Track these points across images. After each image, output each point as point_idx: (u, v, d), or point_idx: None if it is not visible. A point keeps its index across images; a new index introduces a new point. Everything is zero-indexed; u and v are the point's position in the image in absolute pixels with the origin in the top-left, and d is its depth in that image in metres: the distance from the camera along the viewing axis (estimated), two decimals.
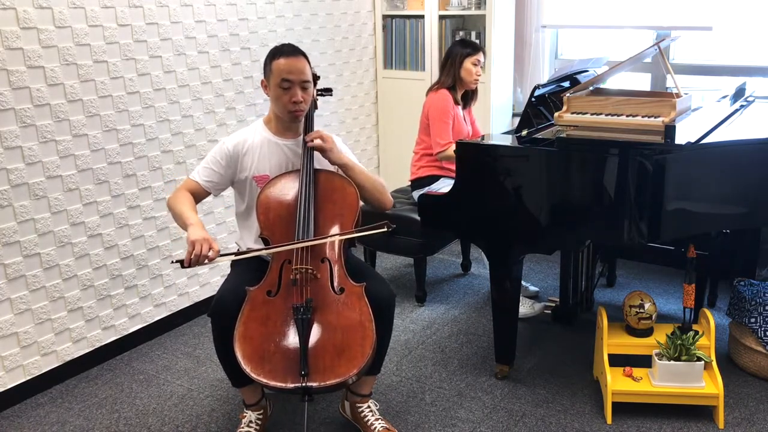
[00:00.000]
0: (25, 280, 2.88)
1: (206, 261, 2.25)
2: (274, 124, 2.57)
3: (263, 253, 2.41)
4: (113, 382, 3.07)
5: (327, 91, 2.76)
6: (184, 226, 2.36)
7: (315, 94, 2.63)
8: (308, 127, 2.55)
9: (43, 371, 2.99)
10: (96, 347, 3.18)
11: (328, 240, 2.40)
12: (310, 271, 2.34)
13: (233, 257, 2.48)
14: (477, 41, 4.18)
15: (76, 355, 3.11)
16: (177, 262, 2.30)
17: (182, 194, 2.47)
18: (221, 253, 2.31)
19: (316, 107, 2.61)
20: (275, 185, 2.49)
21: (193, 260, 2.22)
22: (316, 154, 2.52)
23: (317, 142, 2.47)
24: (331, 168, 2.58)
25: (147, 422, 2.77)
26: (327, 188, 2.50)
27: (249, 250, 2.45)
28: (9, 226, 2.79)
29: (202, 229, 2.30)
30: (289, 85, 2.42)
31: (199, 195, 2.52)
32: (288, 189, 2.49)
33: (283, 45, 2.50)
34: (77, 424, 2.78)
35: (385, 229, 2.36)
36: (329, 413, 2.77)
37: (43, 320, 2.96)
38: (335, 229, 2.46)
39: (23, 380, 2.92)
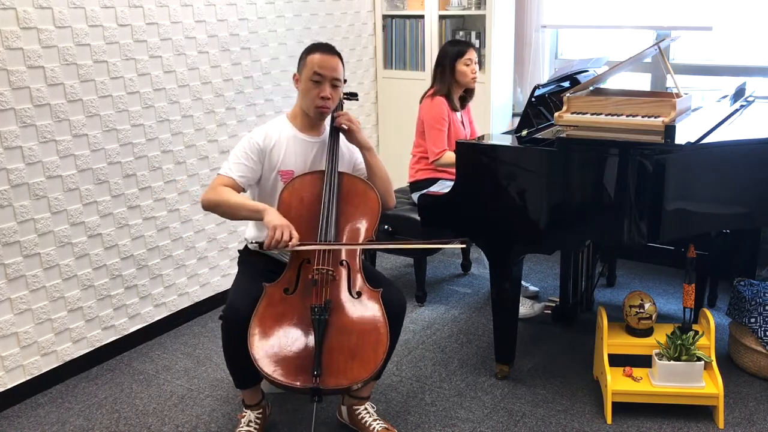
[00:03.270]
0: (25, 280, 2.88)
1: (286, 248, 2.28)
2: (300, 120, 2.58)
3: (330, 248, 2.38)
4: (113, 382, 3.07)
5: (353, 96, 2.77)
6: (253, 213, 2.39)
7: (341, 98, 2.67)
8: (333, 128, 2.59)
9: (43, 371, 2.99)
10: (96, 347, 3.18)
11: (386, 246, 2.42)
12: (329, 272, 2.35)
13: (312, 247, 2.40)
14: (477, 41, 4.18)
15: (76, 355, 3.11)
16: (256, 243, 2.35)
17: (225, 188, 2.44)
18: (300, 242, 2.33)
19: (341, 110, 2.62)
20: (298, 184, 2.50)
21: (273, 245, 2.26)
22: (341, 141, 2.58)
23: (345, 120, 2.53)
24: (346, 169, 2.61)
25: (147, 422, 2.77)
26: (350, 191, 2.52)
27: (309, 243, 2.40)
28: (9, 226, 2.79)
29: (280, 214, 2.35)
30: (320, 79, 2.46)
31: (236, 191, 2.50)
32: (311, 189, 2.49)
33: (321, 42, 2.56)
34: (77, 424, 2.78)
35: (464, 246, 2.40)
36: (329, 413, 2.77)
37: (43, 320, 2.96)
38: (357, 233, 2.47)
39: (23, 380, 2.92)
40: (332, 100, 2.50)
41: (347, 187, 2.52)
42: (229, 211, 2.43)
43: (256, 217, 2.39)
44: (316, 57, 2.47)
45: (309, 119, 2.56)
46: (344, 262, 2.40)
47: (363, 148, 2.59)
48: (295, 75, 2.56)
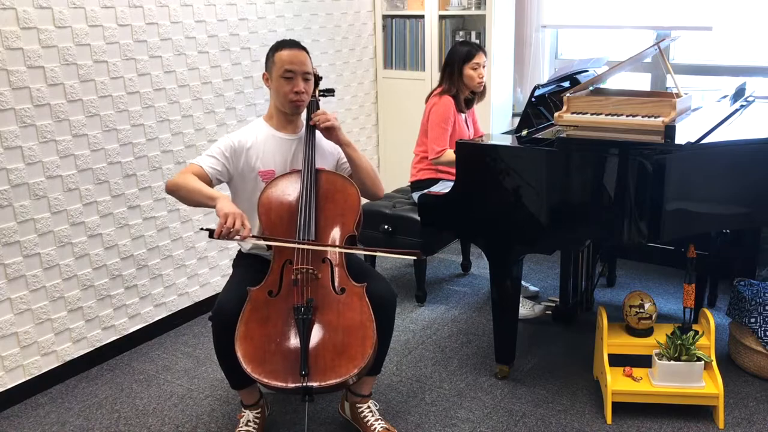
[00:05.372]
0: (25, 280, 2.88)
1: (237, 237, 2.24)
2: (276, 119, 2.59)
3: (288, 245, 2.37)
4: (113, 382, 3.07)
5: (329, 92, 2.79)
6: (208, 199, 2.34)
7: (318, 95, 2.67)
8: (309, 126, 2.59)
9: (43, 371, 2.99)
10: (96, 347, 3.18)
11: (342, 250, 2.40)
12: (311, 271, 2.34)
13: (264, 241, 2.40)
14: (477, 41, 4.18)
15: (76, 355, 3.11)
16: (207, 230, 2.29)
17: (191, 175, 2.44)
18: (252, 234, 2.29)
19: (318, 108, 2.62)
20: (276, 185, 2.50)
21: (224, 233, 2.22)
22: (319, 139, 2.57)
23: (322, 118, 2.53)
24: (331, 166, 2.62)
25: (147, 422, 2.77)
26: (328, 188, 2.51)
27: (274, 238, 2.40)
28: (9, 226, 2.79)
29: (232, 203, 2.31)
30: (292, 75, 2.47)
31: (203, 181, 2.49)
32: (289, 189, 2.49)
33: (286, 39, 2.57)
34: (77, 424, 2.78)
35: (415, 258, 2.40)
36: (329, 413, 2.77)
37: (43, 320, 2.96)
38: (336, 230, 2.46)
39: (23, 380, 2.93)
40: (306, 93, 2.52)
41: (326, 184, 2.52)
42: (188, 195, 2.41)
43: (210, 204, 2.35)
44: (284, 54, 2.48)
45: (285, 117, 2.58)
46: (326, 260, 2.40)
47: (342, 144, 2.59)
48: (264, 74, 2.57)
